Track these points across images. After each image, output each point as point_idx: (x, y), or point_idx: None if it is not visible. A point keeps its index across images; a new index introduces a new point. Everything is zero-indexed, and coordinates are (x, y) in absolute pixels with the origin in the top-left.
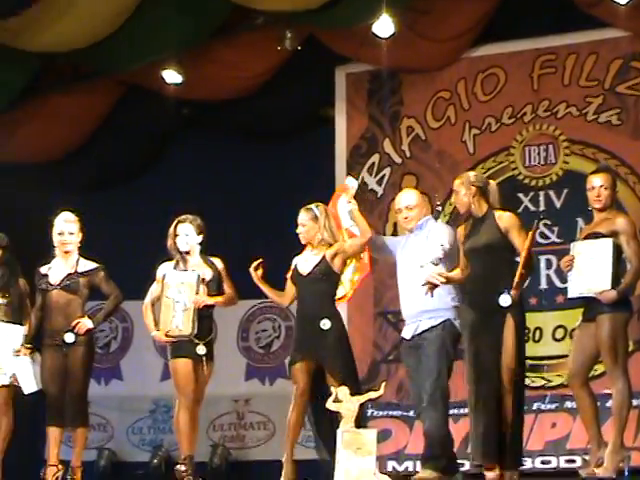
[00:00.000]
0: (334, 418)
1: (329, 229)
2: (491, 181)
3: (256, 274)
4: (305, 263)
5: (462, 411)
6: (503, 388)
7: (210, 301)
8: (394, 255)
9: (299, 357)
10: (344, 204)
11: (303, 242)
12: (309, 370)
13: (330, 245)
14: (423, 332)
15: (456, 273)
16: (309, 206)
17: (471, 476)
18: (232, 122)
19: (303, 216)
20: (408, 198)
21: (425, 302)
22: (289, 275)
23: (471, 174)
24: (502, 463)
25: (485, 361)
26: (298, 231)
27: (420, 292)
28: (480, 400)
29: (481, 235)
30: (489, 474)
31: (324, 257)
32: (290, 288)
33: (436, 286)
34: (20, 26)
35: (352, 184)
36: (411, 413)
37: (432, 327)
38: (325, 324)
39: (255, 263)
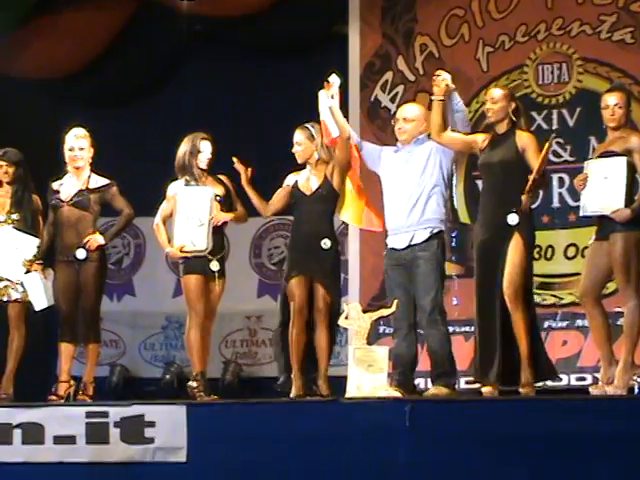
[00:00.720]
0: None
1: (325, 148)
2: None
3: (245, 174)
4: (307, 182)
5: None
6: (511, 306)
7: (228, 217)
8: (376, 163)
9: (295, 273)
10: (324, 98)
11: (299, 161)
12: (305, 286)
13: (327, 163)
14: (419, 244)
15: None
16: (305, 125)
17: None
18: (245, 39)
19: (299, 135)
20: (408, 110)
21: (421, 212)
22: (289, 191)
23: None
24: (518, 381)
25: (492, 279)
26: (294, 150)
27: (417, 205)
28: (485, 318)
29: (498, 151)
30: (485, 389)
31: (326, 177)
32: (278, 201)
33: None
34: None
35: (335, 80)
36: (421, 331)
37: (428, 239)
38: (326, 243)
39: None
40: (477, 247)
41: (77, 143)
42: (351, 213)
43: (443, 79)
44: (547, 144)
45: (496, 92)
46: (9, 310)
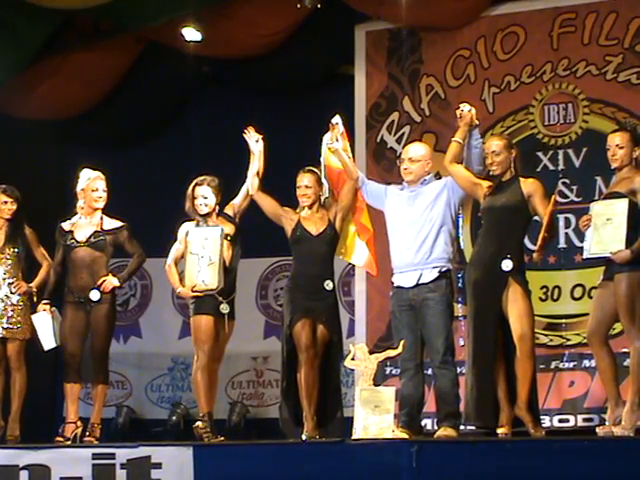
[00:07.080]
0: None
1: (330, 191)
2: None
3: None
4: (312, 223)
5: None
6: (521, 355)
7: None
8: (382, 201)
9: (299, 315)
10: (327, 141)
11: (306, 204)
12: (310, 327)
13: (324, 206)
14: (427, 283)
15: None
16: (312, 169)
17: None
18: (252, 80)
19: (310, 178)
20: (413, 150)
21: (429, 250)
22: (291, 232)
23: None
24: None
25: (484, 320)
26: (304, 192)
27: (425, 243)
28: (478, 360)
29: (501, 196)
30: (501, 430)
31: (329, 219)
32: (271, 203)
33: None
34: None
35: (338, 121)
36: (429, 371)
37: (436, 279)
38: (329, 285)
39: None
40: (471, 288)
41: (101, 185)
42: (345, 249)
43: (470, 110)
44: (553, 198)
45: (497, 144)
46: (8, 349)
